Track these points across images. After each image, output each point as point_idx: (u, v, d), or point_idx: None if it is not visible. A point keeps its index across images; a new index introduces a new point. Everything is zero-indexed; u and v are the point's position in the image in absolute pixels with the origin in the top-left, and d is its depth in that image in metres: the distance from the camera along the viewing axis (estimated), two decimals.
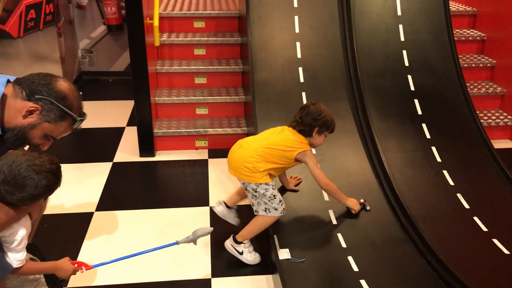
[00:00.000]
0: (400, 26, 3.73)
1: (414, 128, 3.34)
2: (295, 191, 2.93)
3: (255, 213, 2.55)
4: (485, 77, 4.50)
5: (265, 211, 2.50)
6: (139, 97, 3.68)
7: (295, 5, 3.80)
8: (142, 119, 3.75)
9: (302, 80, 3.58)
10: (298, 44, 3.71)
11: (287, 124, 2.61)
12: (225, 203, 2.74)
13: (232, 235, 2.60)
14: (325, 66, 3.66)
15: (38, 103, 1.82)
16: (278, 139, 2.53)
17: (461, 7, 4.73)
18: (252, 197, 2.52)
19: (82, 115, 1.97)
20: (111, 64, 5.61)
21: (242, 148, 2.54)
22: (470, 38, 4.51)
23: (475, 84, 4.37)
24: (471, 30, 4.66)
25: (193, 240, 2.28)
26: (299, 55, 3.68)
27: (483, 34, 4.52)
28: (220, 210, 2.74)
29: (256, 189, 2.46)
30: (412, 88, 3.56)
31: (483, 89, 4.28)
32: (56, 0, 4.82)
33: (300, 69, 3.63)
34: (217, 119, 4.07)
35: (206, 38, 4.27)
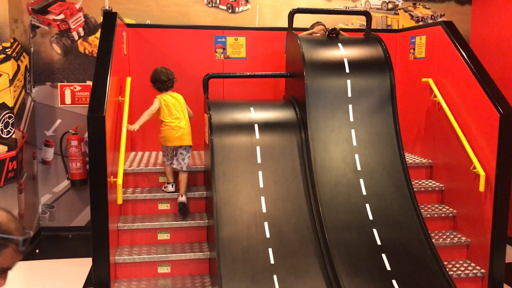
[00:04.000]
0: (361, 180, 3.83)
1: (384, 286, 3.23)
2: None
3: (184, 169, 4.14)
4: (448, 227, 4.56)
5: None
6: (97, 256, 3.50)
7: (259, 160, 3.89)
8: (99, 281, 3.52)
9: (268, 235, 3.52)
10: (262, 198, 3.73)
11: None
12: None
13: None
14: (291, 220, 3.64)
15: None
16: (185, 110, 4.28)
17: (417, 159, 4.96)
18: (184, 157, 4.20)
19: (25, 234, 1.81)
20: (72, 219, 5.46)
21: (183, 127, 4.20)
22: (429, 188, 4.66)
23: (440, 234, 4.39)
24: (429, 180, 4.84)
25: None
26: (264, 210, 3.67)
27: (441, 185, 4.69)
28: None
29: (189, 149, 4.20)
30: (379, 242, 3.53)
31: (448, 239, 4.29)
32: (21, 157, 4.82)
33: (266, 223, 3.59)
34: (180, 277, 3.87)
35: (170, 193, 4.26)
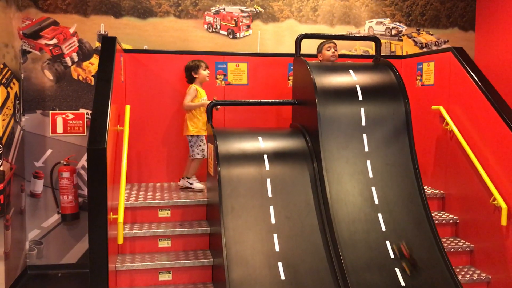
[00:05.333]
0: (380, 215, 3.59)
1: None
2: None
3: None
4: (465, 262, 4.32)
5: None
6: None
7: (270, 194, 3.63)
8: None
9: (283, 277, 3.24)
10: (275, 236, 3.45)
11: None
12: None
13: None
14: (307, 260, 3.37)
15: None
16: None
17: (428, 190, 4.75)
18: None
19: None
20: (62, 256, 5.09)
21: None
22: (443, 221, 4.44)
23: (457, 270, 4.14)
24: (442, 212, 4.62)
25: None
26: (277, 249, 3.39)
27: (455, 217, 4.47)
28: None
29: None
30: (402, 283, 3.27)
31: (468, 276, 4.05)
32: (8, 190, 4.48)
33: (280, 264, 3.31)
34: None
35: (172, 229, 3.96)
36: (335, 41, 4.64)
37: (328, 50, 4.54)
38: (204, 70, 4.56)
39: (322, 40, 4.67)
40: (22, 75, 4.99)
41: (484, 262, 4.15)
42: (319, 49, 4.66)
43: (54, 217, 5.08)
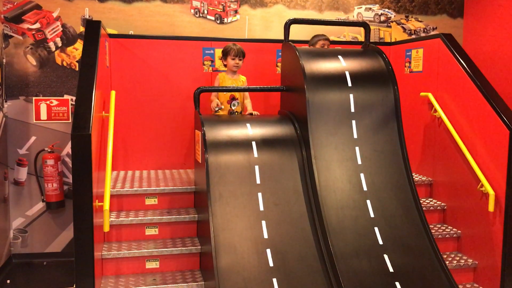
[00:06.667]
0: (368, 202, 3.57)
1: None
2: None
3: None
4: (452, 248, 4.34)
5: None
6: None
7: (258, 181, 3.59)
8: None
9: (271, 264, 3.21)
10: (263, 222, 3.42)
11: None
12: None
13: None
14: (295, 246, 3.34)
15: None
16: None
17: (416, 177, 4.75)
18: None
19: None
20: (47, 244, 5.01)
21: None
22: (431, 208, 4.45)
23: (445, 256, 4.16)
24: (429, 199, 4.63)
25: None
26: (265, 235, 3.36)
27: (443, 204, 4.48)
28: None
29: None
30: (391, 269, 3.27)
31: (455, 262, 4.07)
32: None
33: (268, 251, 3.28)
34: None
35: (159, 217, 3.91)
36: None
37: (322, 47, 4.52)
38: (233, 58, 4.35)
39: (315, 34, 4.64)
40: (4, 60, 4.87)
41: (471, 248, 4.17)
42: (312, 42, 4.61)
43: (39, 205, 5.00)
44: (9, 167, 4.91)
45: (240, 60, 4.38)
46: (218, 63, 4.97)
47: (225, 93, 4.35)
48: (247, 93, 4.52)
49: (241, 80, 4.48)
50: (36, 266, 4.93)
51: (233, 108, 4.31)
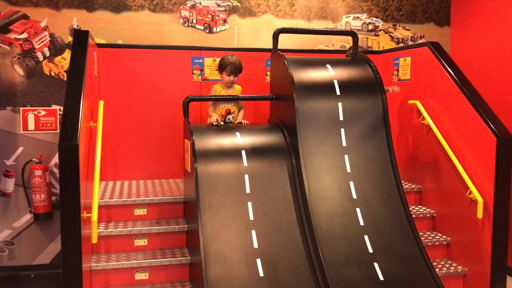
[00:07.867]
0: (358, 210, 3.57)
1: None
2: None
3: None
4: (442, 255, 4.36)
5: None
6: None
7: (248, 190, 3.58)
8: None
9: (261, 273, 3.20)
10: (253, 232, 3.41)
11: None
12: None
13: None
14: (286, 256, 3.33)
15: None
16: None
17: (405, 184, 4.77)
18: None
19: None
20: (34, 256, 4.95)
21: None
22: (420, 215, 4.46)
23: (435, 264, 4.17)
24: (419, 206, 4.65)
25: None
26: (255, 245, 3.34)
27: (432, 211, 4.50)
28: None
29: None
30: (381, 277, 3.26)
31: (444, 269, 4.08)
32: None
33: (259, 261, 3.26)
34: None
35: (148, 227, 3.88)
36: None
37: None
38: (229, 75, 4.32)
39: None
40: None
41: (460, 255, 4.19)
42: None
43: (26, 216, 4.94)
44: None
45: (236, 76, 4.36)
46: (207, 72, 4.97)
47: (220, 106, 4.33)
48: (242, 104, 4.50)
49: (237, 89, 4.48)
50: (24, 278, 4.86)
51: (227, 122, 4.29)
